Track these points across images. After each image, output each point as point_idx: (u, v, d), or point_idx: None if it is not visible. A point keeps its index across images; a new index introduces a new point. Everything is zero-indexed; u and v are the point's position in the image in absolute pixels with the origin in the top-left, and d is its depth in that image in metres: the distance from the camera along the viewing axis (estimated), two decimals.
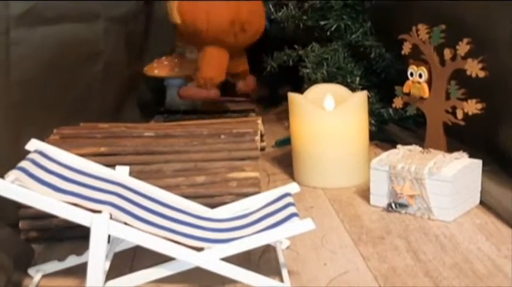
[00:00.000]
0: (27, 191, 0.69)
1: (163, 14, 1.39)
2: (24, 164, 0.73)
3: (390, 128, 1.34)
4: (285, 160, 1.24)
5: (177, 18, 1.30)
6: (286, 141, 1.31)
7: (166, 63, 1.51)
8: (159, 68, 1.51)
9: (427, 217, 0.95)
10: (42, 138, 0.83)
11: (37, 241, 0.91)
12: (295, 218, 0.75)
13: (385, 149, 1.11)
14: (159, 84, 1.55)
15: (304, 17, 1.44)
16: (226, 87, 1.50)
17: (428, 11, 1.18)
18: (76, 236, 0.90)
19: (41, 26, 0.95)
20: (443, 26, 1.05)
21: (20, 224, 0.90)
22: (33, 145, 0.80)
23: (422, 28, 1.08)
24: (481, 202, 1.00)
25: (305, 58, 1.40)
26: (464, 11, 1.07)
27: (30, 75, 0.93)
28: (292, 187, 0.85)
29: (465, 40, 1.00)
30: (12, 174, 0.70)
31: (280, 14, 1.45)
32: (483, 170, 0.99)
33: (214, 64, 1.35)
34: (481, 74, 0.98)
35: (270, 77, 1.50)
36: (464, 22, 1.06)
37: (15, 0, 0.88)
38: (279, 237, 0.78)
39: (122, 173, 0.85)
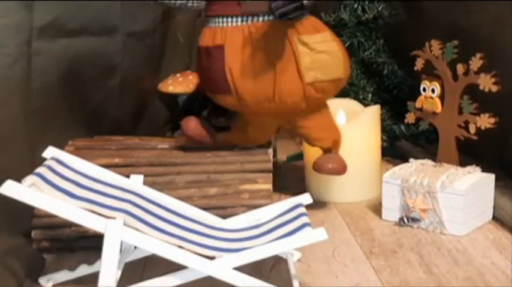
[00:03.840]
0: (43, 196, 0.69)
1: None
2: (41, 170, 0.75)
3: (402, 144, 1.34)
4: (296, 174, 1.25)
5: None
6: (298, 157, 1.31)
7: (181, 80, 1.52)
8: (173, 85, 1.52)
9: (440, 232, 0.95)
10: (59, 146, 0.84)
11: (49, 251, 0.92)
12: (307, 228, 0.75)
13: (397, 165, 1.10)
14: (173, 100, 1.57)
15: None
16: None
17: (441, 28, 1.19)
18: (87, 247, 0.90)
19: (62, 38, 0.97)
20: (456, 42, 1.05)
21: (33, 234, 0.91)
22: (50, 152, 0.81)
23: (435, 44, 1.09)
24: (494, 217, 0.99)
25: None
26: (476, 26, 1.08)
27: (49, 85, 0.94)
28: (305, 198, 0.85)
29: (478, 55, 1.00)
30: (30, 179, 0.71)
31: None
32: (496, 186, 0.99)
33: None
34: (494, 88, 0.98)
35: None
36: (476, 37, 1.06)
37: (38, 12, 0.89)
38: (292, 246, 0.77)
39: (136, 181, 0.86)
